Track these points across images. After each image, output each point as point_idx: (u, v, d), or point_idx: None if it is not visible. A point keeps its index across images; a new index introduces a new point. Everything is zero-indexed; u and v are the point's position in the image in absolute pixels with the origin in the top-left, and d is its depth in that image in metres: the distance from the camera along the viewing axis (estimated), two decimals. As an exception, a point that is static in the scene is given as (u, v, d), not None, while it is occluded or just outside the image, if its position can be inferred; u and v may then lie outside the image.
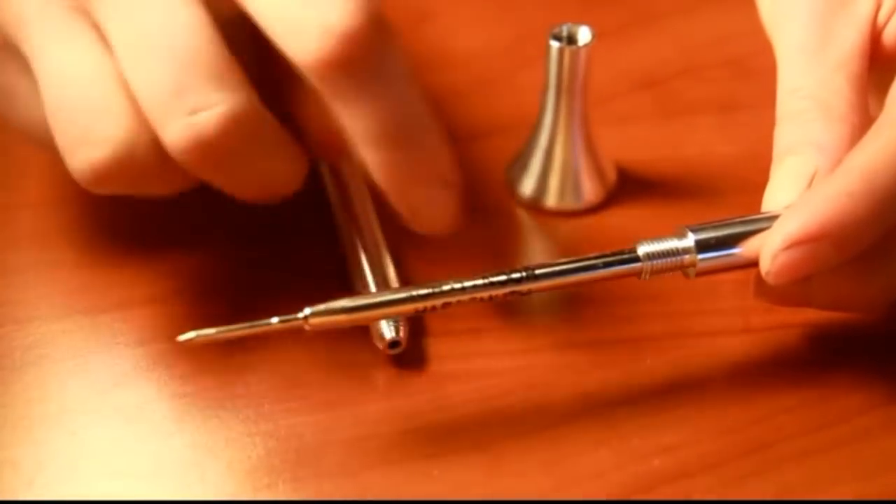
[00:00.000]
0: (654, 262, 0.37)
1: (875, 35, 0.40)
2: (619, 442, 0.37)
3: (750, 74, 0.51)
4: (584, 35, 0.42)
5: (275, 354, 0.39)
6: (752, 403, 0.38)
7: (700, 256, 0.37)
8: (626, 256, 0.37)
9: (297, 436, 0.37)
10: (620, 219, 0.45)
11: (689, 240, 0.37)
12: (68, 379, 0.38)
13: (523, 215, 0.45)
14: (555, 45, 0.42)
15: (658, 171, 0.47)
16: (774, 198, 0.38)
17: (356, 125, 0.36)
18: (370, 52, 0.35)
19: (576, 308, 0.41)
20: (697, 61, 0.53)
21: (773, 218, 0.36)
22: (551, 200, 0.45)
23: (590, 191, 0.45)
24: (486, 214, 0.45)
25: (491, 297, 0.36)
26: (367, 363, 0.39)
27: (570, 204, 0.45)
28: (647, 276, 0.37)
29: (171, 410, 0.37)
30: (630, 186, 0.46)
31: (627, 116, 0.50)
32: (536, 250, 0.45)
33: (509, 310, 0.41)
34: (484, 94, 0.51)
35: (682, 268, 0.37)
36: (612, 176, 0.46)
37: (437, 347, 0.39)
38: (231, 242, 0.43)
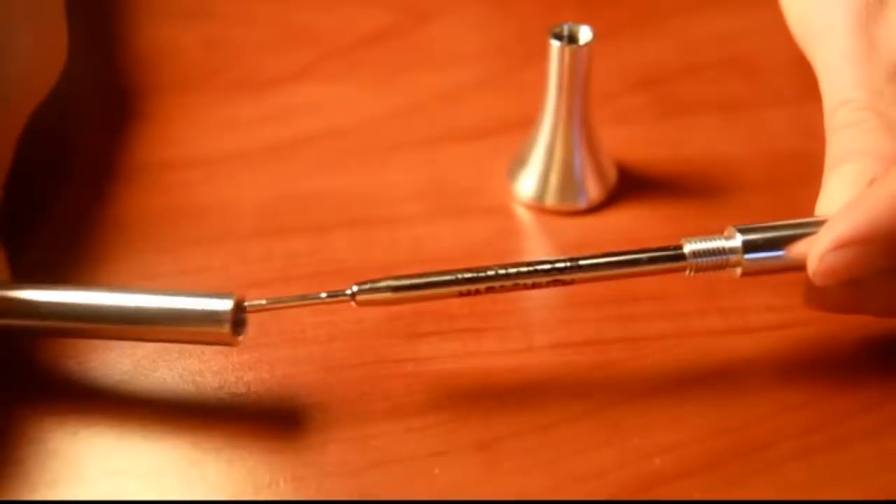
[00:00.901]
0: (700, 259, 0.37)
1: None
2: (620, 441, 0.37)
3: (751, 74, 0.51)
4: (584, 34, 0.43)
5: (275, 354, 0.39)
6: (752, 403, 0.38)
7: (746, 257, 0.37)
8: (671, 253, 0.37)
9: (297, 435, 0.37)
10: (621, 218, 0.45)
11: (737, 240, 0.37)
12: (68, 378, 0.38)
13: (524, 214, 0.45)
14: (556, 44, 0.42)
15: (658, 171, 0.47)
16: (828, 202, 0.37)
17: None
18: None
19: (576, 308, 0.41)
20: (698, 61, 0.53)
21: (822, 223, 0.36)
22: (552, 200, 0.45)
23: (590, 190, 0.45)
24: (487, 214, 0.45)
25: (534, 284, 0.36)
26: (366, 363, 0.39)
27: (571, 203, 0.45)
28: (692, 273, 0.37)
29: (172, 409, 0.37)
30: (630, 186, 0.46)
31: (628, 116, 0.50)
32: (537, 250, 0.45)
33: (509, 310, 0.41)
34: (484, 94, 0.51)
35: (728, 266, 0.37)
36: (612, 175, 0.46)
37: (437, 347, 0.39)
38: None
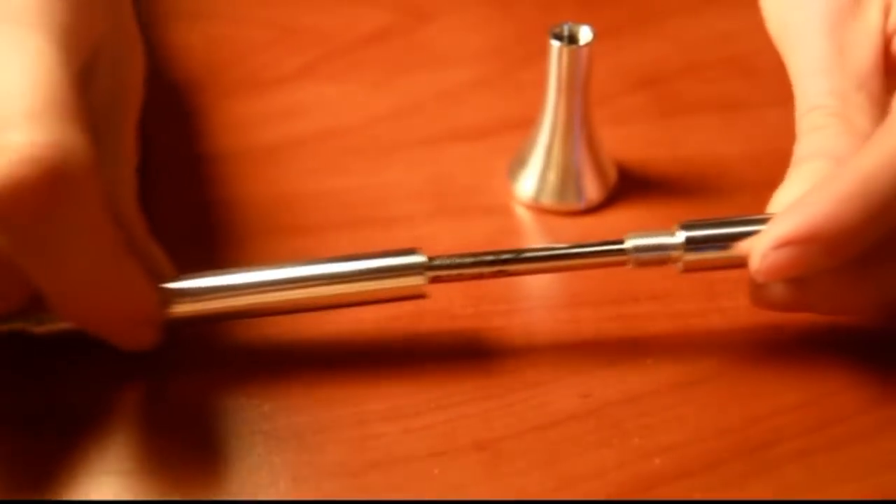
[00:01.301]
0: (642, 255, 0.38)
1: (886, 43, 0.40)
2: (620, 441, 0.37)
3: (750, 74, 0.51)
4: (584, 34, 0.43)
5: (275, 354, 0.39)
6: (752, 403, 0.38)
7: (688, 254, 0.37)
8: (613, 248, 0.38)
9: (297, 435, 0.37)
10: (621, 218, 0.45)
11: (680, 237, 0.37)
12: (69, 378, 0.38)
13: (523, 214, 0.45)
14: (555, 44, 0.42)
15: (658, 171, 0.47)
16: (781, 199, 0.38)
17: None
18: (29, 207, 0.32)
19: (576, 308, 0.41)
20: (698, 61, 0.53)
21: (766, 220, 0.37)
22: (551, 200, 0.45)
23: (590, 190, 0.45)
24: (487, 214, 0.45)
25: (480, 275, 0.38)
26: (367, 362, 0.39)
27: (571, 203, 0.45)
28: (632, 266, 0.38)
29: (172, 410, 0.37)
30: (630, 185, 0.46)
31: (628, 116, 0.50)
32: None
33: (509, 309, 0.41)
34: (484, 94, 0.51)
35: (670, 262, 0.38)
36: (612, 175, 0.46)
37: (437, 347, 0.39)
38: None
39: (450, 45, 0.54)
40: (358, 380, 0.38)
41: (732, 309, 0.41)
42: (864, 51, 0.40)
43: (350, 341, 0.40)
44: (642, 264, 0.38)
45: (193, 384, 0.38)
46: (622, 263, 0.38)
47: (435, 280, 0.38)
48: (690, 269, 0.38)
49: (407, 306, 0.39)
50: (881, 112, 0.39)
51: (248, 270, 0.37)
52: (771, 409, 0.38)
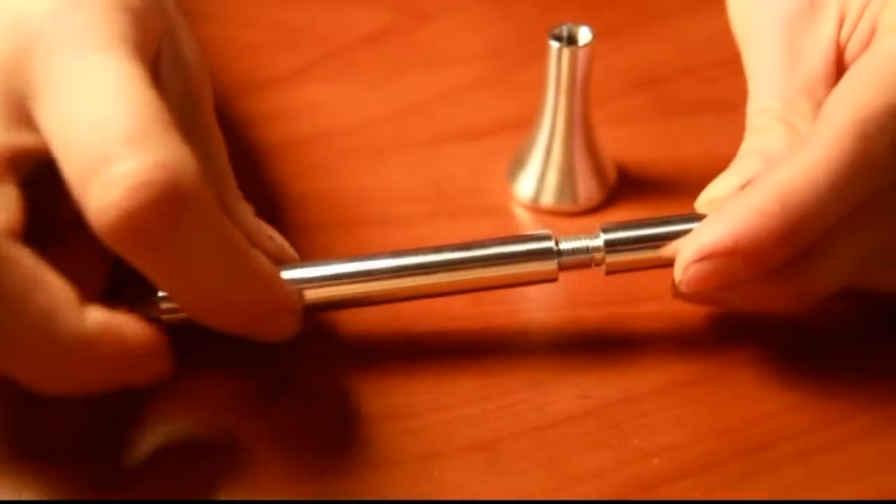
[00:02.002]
0: (564, 258, 0.38)
1: (839, 53, 0.41)
2: (619, 442, 0.37)
3: (750, 74, 0.51)
4: (583, 35, 0.43)
5: (275, 354, 0.39)
6: (751, 403, 0.38)
7: (609, 256, 0.38)
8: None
9: (297, 435, 0.37)
10: (620, 218, 0.44)
11: (600, 239, 0.38)
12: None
13: (523, 215, 0.45)
14: (555, 45, 0.42)
15: (657, 171, 0.47)
16: (710, 192, 0.39)
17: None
18: (152, 231, 0.32)
19: (576, 308, 0.41)
20: (697, 61, 0.53)
21: (687, 219, 0.38)
22: (551, 200, 0.45)
23: (589, 190, 0.45)
24: (486, 214, 0.45)
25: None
26: (367, 362, 0.39)
27: (570, 204, 0.45)
28: (560, 270, 0.38)
29: (173, 410, 0.37)
30: (629, 186, 0.46)
31: (627, 116, 0.50)
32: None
33: (510, 310, 0.41)
34: (483, 95, 0.51)
35: (594, 265, 0.38)
36: (611, 175, 0.46)
37: (437, 347, 0.39)
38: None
39: (449, 45, 0.54)
40: (357, 380, 0.38)
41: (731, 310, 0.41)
42: (816, 59, 0.40)
43: (349, 341, 0.40)
44: (566, 268, 0.38)
45: (192, 384, 0.38)
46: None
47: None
48: (613, 270, 0.38)
49: (407, 306, 0.39)
50: None
51: (377, 258, 0.38)
52: (770, 410, 0.38)
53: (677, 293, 0.38)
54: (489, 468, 0.36)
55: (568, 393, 0.38)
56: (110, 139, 0.32)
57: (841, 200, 0.36)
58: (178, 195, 0.32)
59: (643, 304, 0.41)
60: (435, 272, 0.38)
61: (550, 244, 0.38)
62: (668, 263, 0.37)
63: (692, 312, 0.41)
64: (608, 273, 0.39)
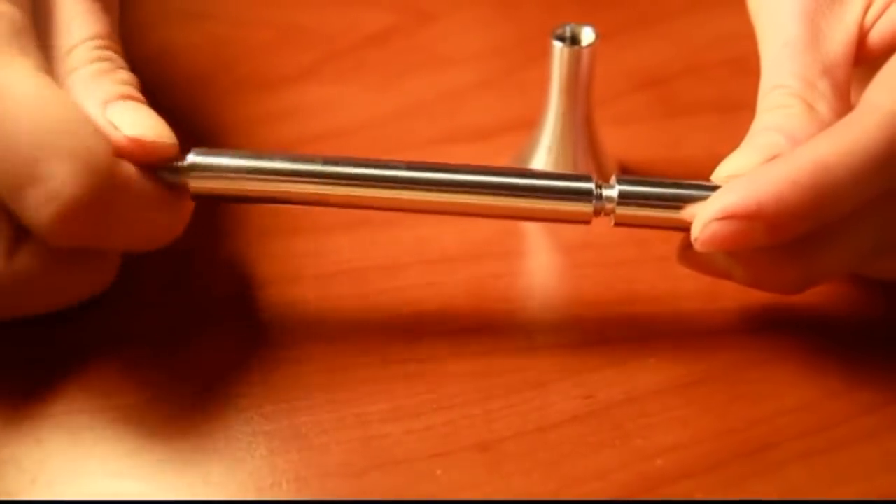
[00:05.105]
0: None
1: (862, 36, 0.40)
2: (622, 442, 0.37)
3: (751, 74, 0.51)
4: (586, 35, 0.43)
5: (275, 355, 0.39)
6: (754, 404, 0.38)
7: (620, 208, 0.37)
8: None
9: (299, 436, 0.37)
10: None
11: (615, 189, 0.37)
12: (70, 378, 0.38)
13: (526, 215, 0.45)
14: (558, 45, 0.42)
15: (660, 171, 0.47)
16: (725, 167, 0.38)
17: None
18: (84, 227, 0.35)
19: (576, 308, 0.41)
20: (699, 61, 0.53)
21: (705, 188, 0.37)
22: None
23: (592, 191, 0.45)
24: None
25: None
26: (368, 363, 0.39)
27: (573, 204, 0.45)
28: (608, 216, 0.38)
29: (173, 410, 0.37)
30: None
31: (629, 116, 0.50)
32: (538, 250, 0.45)
33: (511, 309, 0.41)
34: (486, 95, 0.51)
35: (604, 214, 0.38)
36: (614, 176, 0.46)
37: (437, 347, 0.40)
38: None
39: (452, 46, 0.54)
40: (360, 381, 0.38)
41: (734, 310, 0.41)
42: (838, 40, 0.40)
43: (351, 342, 0.40)
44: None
45: (194, 385, 0.38)
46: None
47: None
48: (622, 223, 0.38)
49: (407, 306, 0.39)
50: (842, 103, 0.39)
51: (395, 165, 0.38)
52: (772, 411, 0.38)
53: (683, 255, 0.38)
54: (492, 469, 0.36)
55: (570, 393, 0.38)
56: (24, 160, 0.34)
57: (872, 185, 0.35)
58: (96, 198, 0.35)
59: (645, 304, 0.41)
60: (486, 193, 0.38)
61: (591, 185, 0.37)
62: (678, 226, 0.37)
63: (694, 313, 0.41)
64: (616, 225, 0.38)
